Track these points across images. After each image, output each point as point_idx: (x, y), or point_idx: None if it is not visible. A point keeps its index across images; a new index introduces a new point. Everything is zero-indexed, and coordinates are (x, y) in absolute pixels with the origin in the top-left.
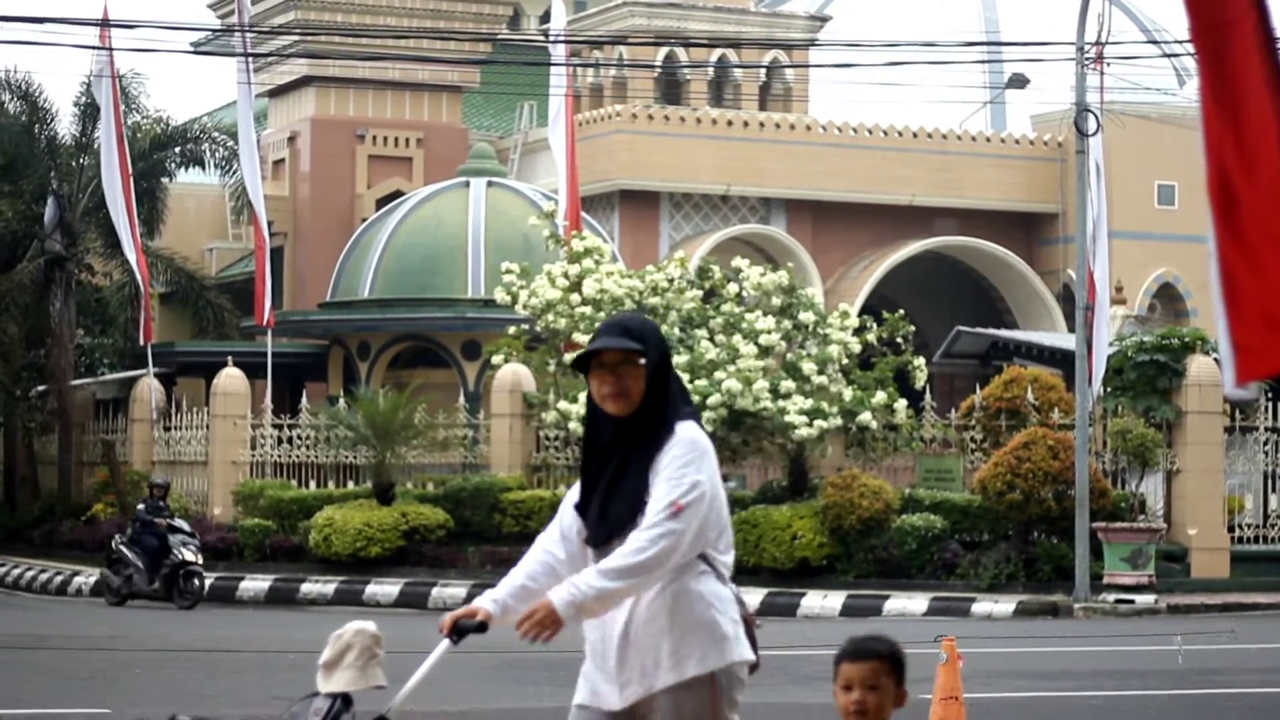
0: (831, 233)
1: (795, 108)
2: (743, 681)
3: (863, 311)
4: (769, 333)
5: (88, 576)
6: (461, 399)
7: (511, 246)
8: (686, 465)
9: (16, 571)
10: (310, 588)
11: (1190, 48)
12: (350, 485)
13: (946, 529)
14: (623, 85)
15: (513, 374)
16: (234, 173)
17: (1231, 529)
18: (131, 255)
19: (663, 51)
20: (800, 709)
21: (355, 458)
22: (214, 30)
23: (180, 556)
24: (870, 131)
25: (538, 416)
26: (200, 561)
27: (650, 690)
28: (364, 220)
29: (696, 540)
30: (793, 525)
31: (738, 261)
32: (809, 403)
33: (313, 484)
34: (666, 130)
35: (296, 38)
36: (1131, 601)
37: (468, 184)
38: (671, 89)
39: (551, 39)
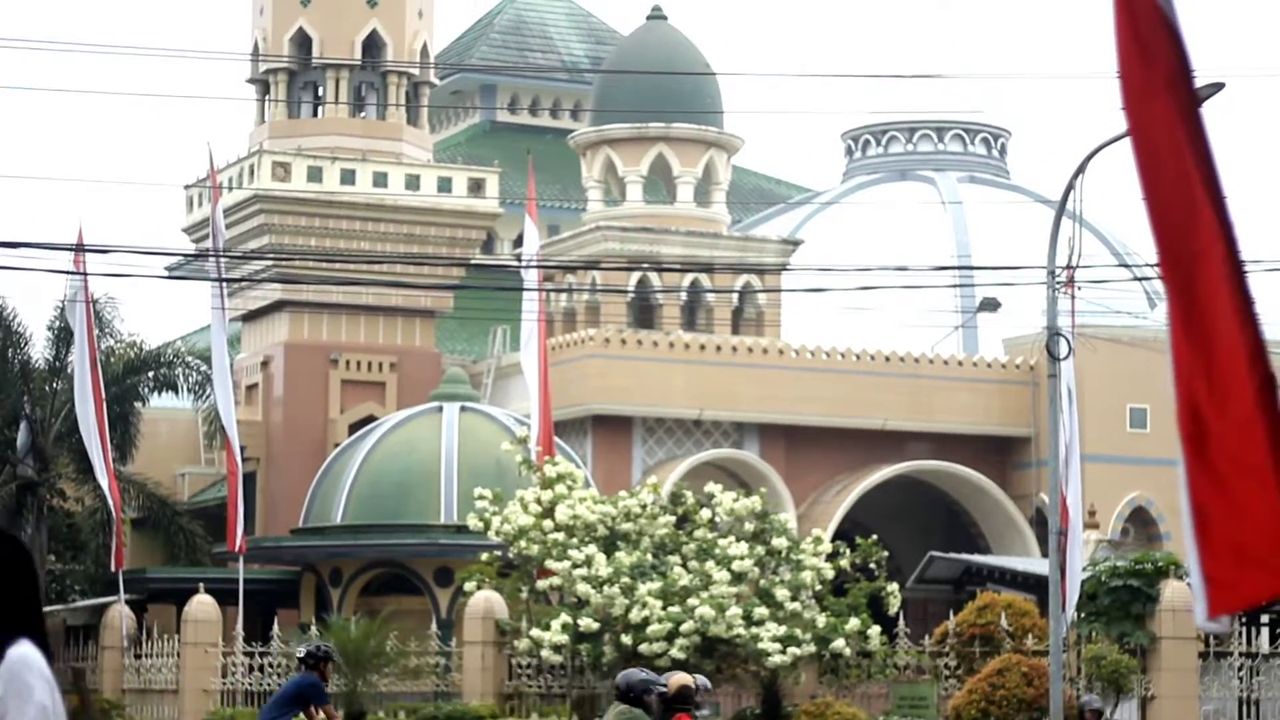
0: (805, 457)
1: (768, 332)
2: None
3: (836, 536)
4: (742, 559)
5: None
6: (434, 626)
7: (484, 472)
8: (20, 697)
9: None
10: None
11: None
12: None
13: None
14: (596, 309)
15: (485, 601)
16: (207, 397)
17: None
18: (104, 480)
19: (635, 276)
20: None
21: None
22: (188, 255)
23: None
24: (843, 355)
25: (510, 644)
26: None
27: None
28: (337, 445)
29: None
30: None
31: (711, 487)
32: (782, 629)
33: None
34: (639, 354)
35: (270, 263)
36: None
37: (440, 409)
38: (644, 313)
39: (525, 264)
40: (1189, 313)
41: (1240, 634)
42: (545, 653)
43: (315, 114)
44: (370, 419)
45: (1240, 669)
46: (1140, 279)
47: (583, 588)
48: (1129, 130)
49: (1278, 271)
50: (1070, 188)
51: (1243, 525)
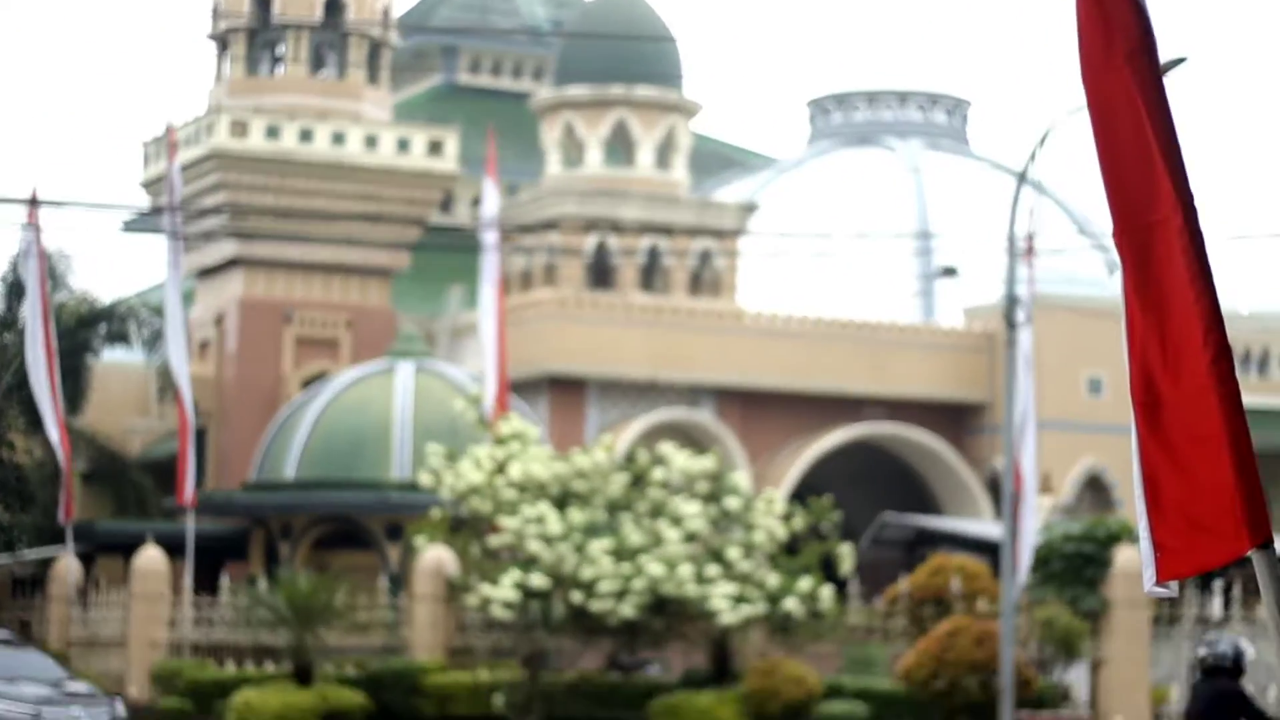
0: (760, 420)
1: (725, 296)
2: None
3: (791, 499)
4: (694, 518)
5: None
6: (384, 581)
7: (437, 429)
8: None
9: None
10: None
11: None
12: (269, 667)
13: (870, 717)
14: (553, 271)
15: (435, 557)
16: (159, 352)
17: (1157, 719)
18: (54, 433)
19: (593, 238)
20: None
21: (275, 639)
22: (143, 211)
23: None
24: (800, 320)
25: (460, 600)
26: None
27: None
28: (289, 401)
29: None
30: (715, 712)
31: (664, 447)
32: (733, 588)
33: (231, 665)
34: (596, 316)
35: (226, 219)
36: None
37: (395, 367)
38: (601, 275)
39: (482, 224)
40: (1144, 282)
41: (1193, 599)
42: (495, 609)
43: (274, 72)
44: (324, 376)
45: (1192, 634)
46: (1100, 248)
47: (534, 545)
48: (1087, 99)
49: (1237, 241)
50: (1032, 157)
51: (1193, 493)
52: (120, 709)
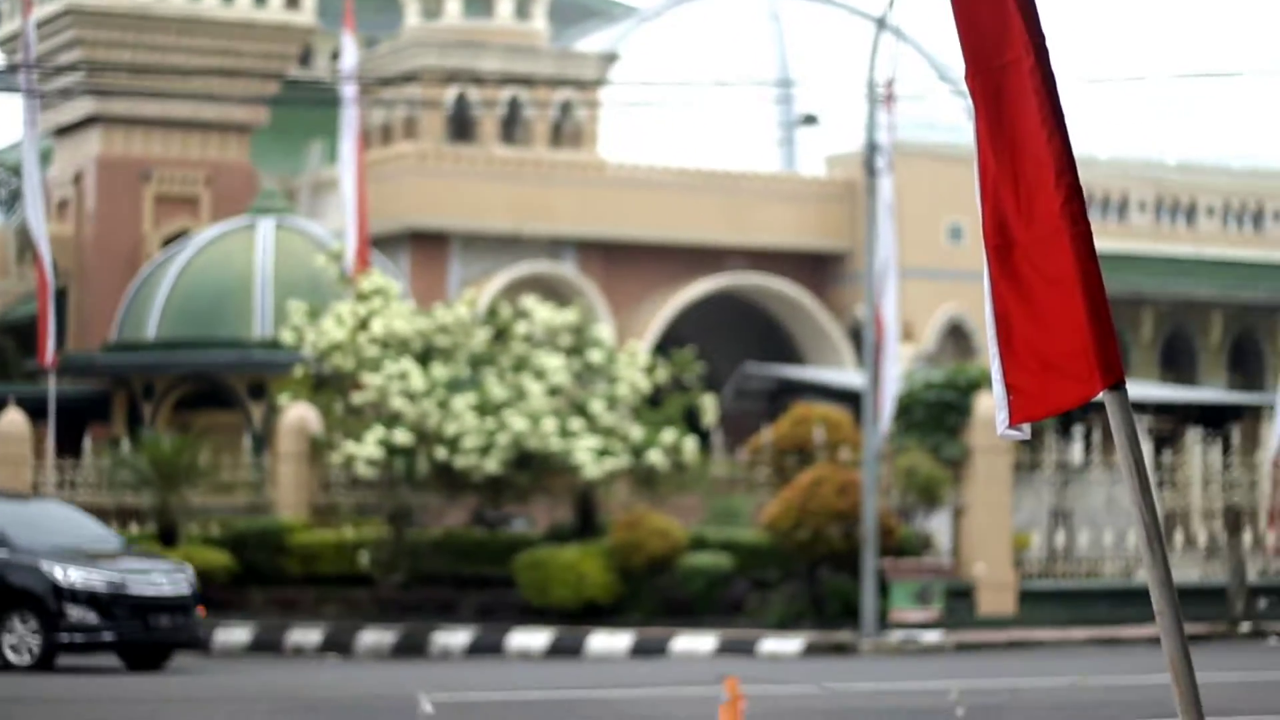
0: (622, 272)
1: (587, 147)
2: None
3: (654, 351)
4: (558, 371)
5: None
6: (247, 440)
7: (299, 286)
8: None
9: None
10: None
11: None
12: (134, 528)
13: (735, 568)
14: (413, 124)
15: (299, 415)
16: (17, 212)
17: (1019, 565)
18: None
19: (453, 90)
20: None
21: (139, 500)
22: None
23: None
24: (662, 171)
25: (324, 458)
26: None
27: None
28: (150, 260)
29: None
30: (580, 565)
31: (527, 301)
32: (597, 441)
33: None
34: (457, 170)
35: (82, 77)
36: (919, 639)
37: (256, 224)
38: (462, 128)
39: (341, 78)
40: (996, 124)
41: (1053, 445)
42: (359, 467)
43: None
44: (184, 234)
45: (1052, 480)
46: (959, 93)
47: (397, 401)
48: None
49: (1096, 86)
50: (890, 3)
51: (1046, 335)
52: (193, 574)
